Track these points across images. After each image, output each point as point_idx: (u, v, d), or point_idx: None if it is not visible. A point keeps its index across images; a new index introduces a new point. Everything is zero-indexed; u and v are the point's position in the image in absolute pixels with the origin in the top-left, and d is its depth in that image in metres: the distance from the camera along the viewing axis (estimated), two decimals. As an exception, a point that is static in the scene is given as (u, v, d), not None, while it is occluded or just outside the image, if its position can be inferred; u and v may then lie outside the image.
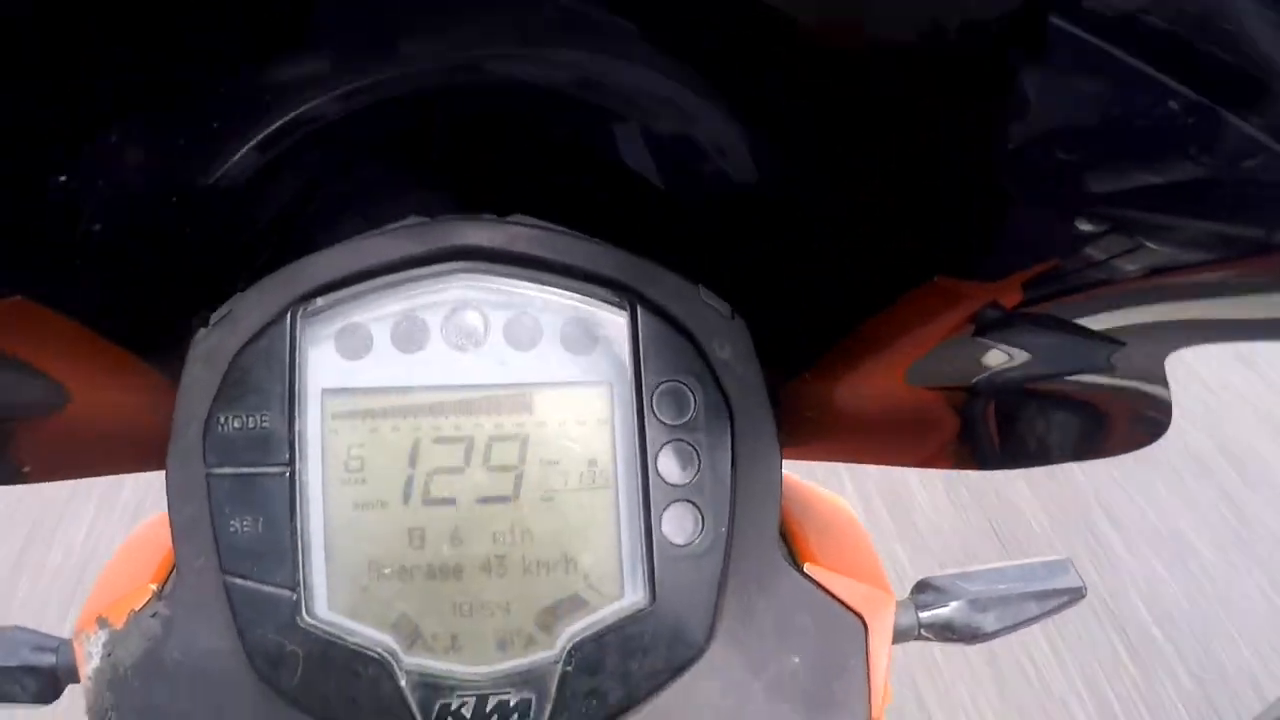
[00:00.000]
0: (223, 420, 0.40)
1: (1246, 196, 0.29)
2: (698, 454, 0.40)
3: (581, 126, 0.41)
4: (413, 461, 0.40)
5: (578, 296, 0.41)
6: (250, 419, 0.39)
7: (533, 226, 0.41)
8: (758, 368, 0.41)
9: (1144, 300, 0.36)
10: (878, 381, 0.44)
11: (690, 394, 0.40)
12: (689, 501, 0.40)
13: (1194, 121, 0.27)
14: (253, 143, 0.37)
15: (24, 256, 0.37)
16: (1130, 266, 0.34)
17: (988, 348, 0.41)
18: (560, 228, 0.41)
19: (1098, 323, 0.39)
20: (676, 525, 0.40)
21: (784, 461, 0.43)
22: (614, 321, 0.41)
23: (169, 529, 0.41)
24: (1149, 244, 0.33)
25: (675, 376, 0.40)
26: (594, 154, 0.43)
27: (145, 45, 0.33)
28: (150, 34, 0.32)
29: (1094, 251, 0.34)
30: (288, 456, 0.39)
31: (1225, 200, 0.29)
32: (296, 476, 0.39)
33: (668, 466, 0.40)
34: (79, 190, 0.35)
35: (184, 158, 0.37)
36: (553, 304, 0.41)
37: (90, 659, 0.42)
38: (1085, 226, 0.33)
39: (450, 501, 0.40)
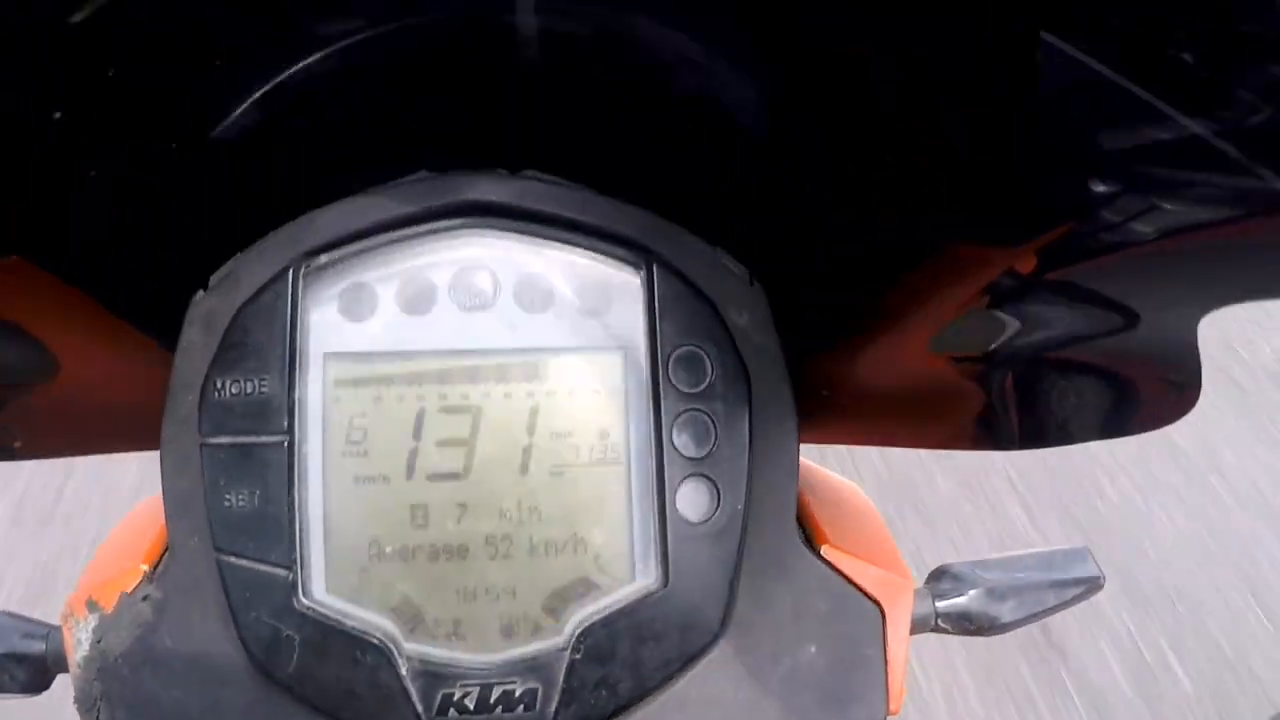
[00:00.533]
0: (219, 385, 0.38)
1: (1258, 151, 0.28)
2: (714, 425, 0.38)
3: (599, 81, 0.40)
4: (417, 433, 0.38)
5: (592, 256, 0.39)
6: (248, 384, 0.37)
7: (546, 182, 0.39)
8: (776, 336, 0.40)
9: (1160, 264, 0.35)
10: (896, 357, 0.43)
11: (707, 360, 0.39)
12: (704, 476, 0.38)
13: (1205, 76, 0.27)
14: (258, 92, 0.35)
15: (20, 211, 0.35)
16: (1145, 228, 0.33)
17: (1006, 319, 0.40)
18: (574, 184, 0.40)
19: (1115, 289, 0.38)
20: (691, 501, 0.38)
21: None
22: (629, 283, 0.39)
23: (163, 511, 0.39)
24: (1163, 204, 0.32)
25: (692, 342, 0.39)
26: (611, 110, 0.41)
27: None
28: None
29: (1109, 214, 0.34)
30: (286, 425, 0.37)
31: (1236, 155, 0.29)
32: (295, 447, 0.37)
33: (683, 438, 0.38)
34: (76, 134, 0.34)
35: (185, 105, 0.35)
36: (566, 264, 0.39)
37: (79, 646, 0.39)
38: (1099, 188, 0.33)
39: (455, 476, 0.38)
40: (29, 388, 0.42)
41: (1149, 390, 0.41)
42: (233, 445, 0.37)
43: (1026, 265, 0.38)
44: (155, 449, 0.40)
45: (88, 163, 0.35)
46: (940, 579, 0.46)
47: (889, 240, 0.41)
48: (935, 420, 0.46)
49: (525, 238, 0.39)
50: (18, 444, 0.44)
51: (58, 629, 0.42)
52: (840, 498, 0.46)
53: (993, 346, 0.41)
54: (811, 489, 0.44)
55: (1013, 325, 0.40)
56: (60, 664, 0.42)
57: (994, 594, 0.45)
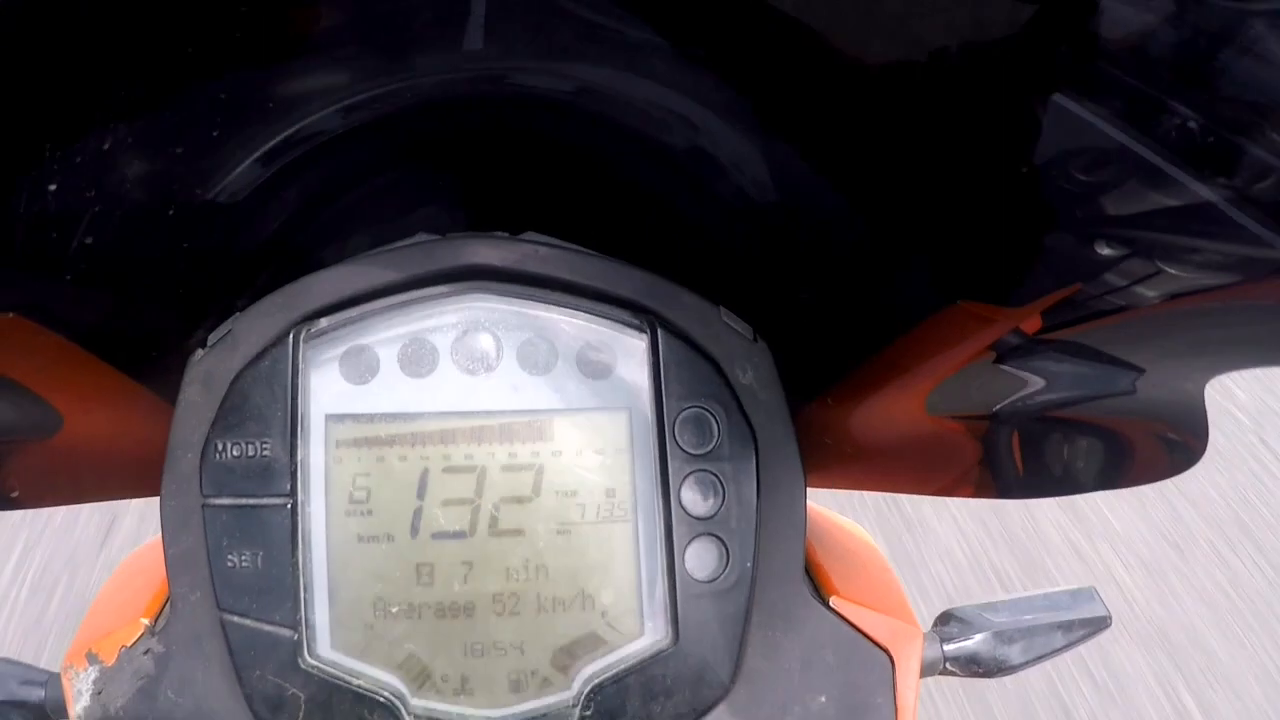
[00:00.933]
0: (220, 447, 0.37)
1: (1264, 218, 0.28)
2: (722, 485, 0.38)
3: (597, 141, 0.39)
4: (421, 493, 0.38)
5: (594, 318, 0.39)
6: (250, 446, 0.37)
7: (547, 245, 0.39)
8: (781, 392, 0.40)
9: (1165, 326, 0.35)
10: (898, 407, 0.42)
11: (713, 420, 0.38)
12: (713, 535, 0.38)
13: (1212, 142, 0.27)
14: (255, 154, 0.35)
15: (18, 271, 0.35)
16: (1150, 292, 0.33)
17: (1009, 374, 0.40)
18: (575, 246, 0.39)
19: (1120, 348, 0.38)
20: (700, 560, 0.38)
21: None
22: (633, 344, 0.39)
23: (162, 559, 0.39)
24: (1168, 268, 0.32)
25: (697, 402, 0.38)
26: (610, 170, 0.41)
27: (141, 47, 0.31)
28: (147, 35, 0.30)
29: (1114, 277, 0.34)
30: (289, 487, 0.37)
31: (1242, 222, 0.29)
32: (299, 509, 0.37)
33: (691, 498, 0.38)
34: (72, 200, 0.33)
35: (182, 168, 0.34)
36: (568, 326, 0.39)
37: (80, 697, 0.39)
38: (1106, 251, 0.33)
39: (461, 535, 0.38)
40: (31, 442, 0.42)
41: (1150, 446, 0.41)
42: (235, 506, 0.37)
43: (1031, 325, 0.37)
44: (156, 495, 0.40)
45: (85, 227, 0.34)
46: (948, 623, 0.46)
47: (893, 296, 0.40)
48: (937, 470, 0.46)
49: (526, 301, 0.39)
50: (15, 494, 0.44)
51: (56, 676, 0.42)
52: (847, 544, 0.46)
53: (996, 408, 0.40)
54: (818, 537, 0.44)
55: (1015, 385, 0.40)
56: (59, 712, 0.42)
57: (1002, 637, 0.45)
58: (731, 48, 0.34)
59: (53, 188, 0.31)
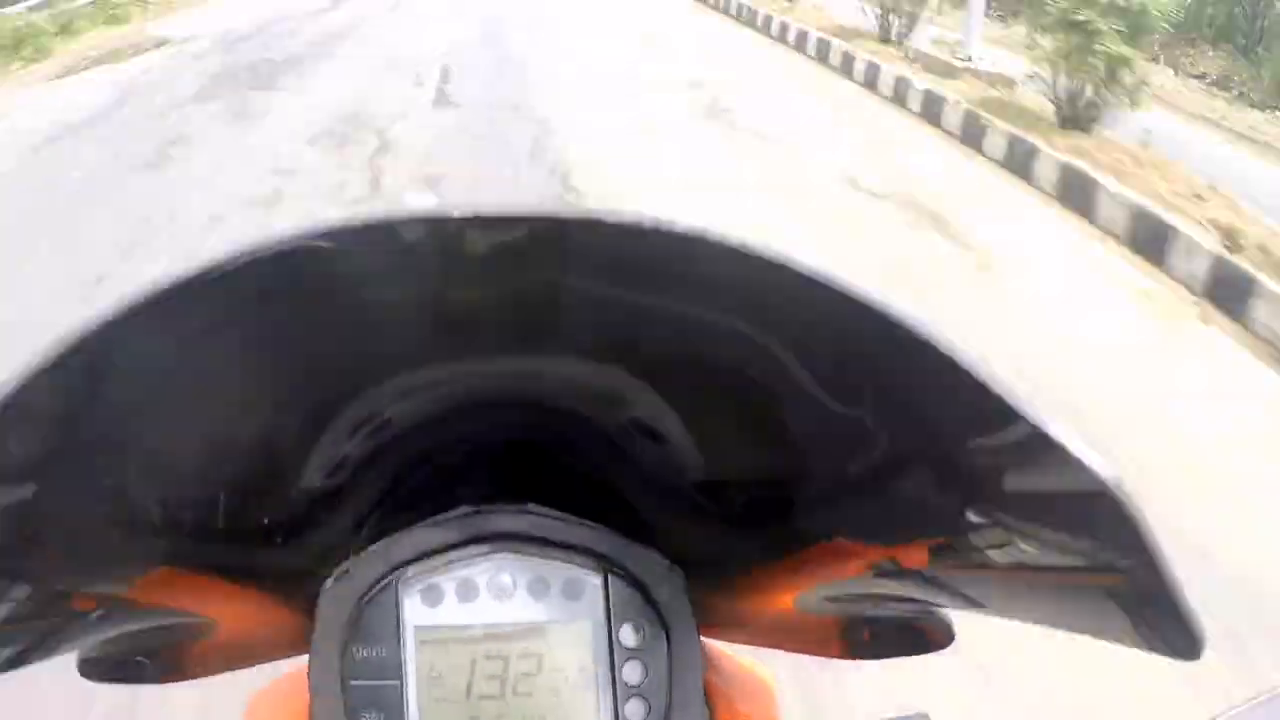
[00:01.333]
0: (355, 650, 0.64)
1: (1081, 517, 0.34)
2: (647, 666, 0.63)
3: (569, 443, 0.66)
4: (471, 673, 0.64)
5: (571, 566, 0.65)
6: (373, 650, 0.64)
7: (541, 514, 0.65)
8: (687, 602, 0.65)
9: (1014, 585, 0.42)
10: (773, 606, 0.67)
11: (644, 627, 0.64)
12: (642, 696, 0.63)
13: (1030, 447, 0.34)
14: (346, 467, 0.62)
15: (161, 538, 0.49)
16: (1001, 559, 0.40)
17: (867, 592, 0.60)
18: (559, 514, 0.66)
19: (971, 589, 0.46)
20: (634, 712, 0.63)
21: (711, 640, 0.66)
22: (594, 582, 0.65)
23: (295, 698, 0.64)
24: (1019, 542, 0.38)
25: (631, 617, 0.64)
26: (578, 462, 0.67)
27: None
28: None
29: (976, 538, 0.40)
30: (398, 675, 0.63)
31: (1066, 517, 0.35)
32: (404, 687, 0.63)
33: (628, 674, 0.63)
34: (214, 503, 0.55)
35: (287, 468, 0.59)
36: (556, 569, 0.65)
37: None
38: (971, 515, 0.39)
39: (495, 698, 0.64)
40: (192, 642, 0.68)
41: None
42: (366, 686, 0.64)
43: (906, 558, 0.48)
44: (294, 656, 0.66)
45: (223, 515, 0.56)
46: None
47: (776, 534, 0.63)
48: (807, 642, 0.70)
49: (532, 555, 0.65)
50: (191, 672, 0.68)
51: None
52: (741, 678, 0.70)
53: (851, 613, 0.64)
54: (720, 675, 0.68)
55: (873, 597, 0.61)
56: None
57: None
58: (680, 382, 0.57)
59: (210, 512, 0.57)
